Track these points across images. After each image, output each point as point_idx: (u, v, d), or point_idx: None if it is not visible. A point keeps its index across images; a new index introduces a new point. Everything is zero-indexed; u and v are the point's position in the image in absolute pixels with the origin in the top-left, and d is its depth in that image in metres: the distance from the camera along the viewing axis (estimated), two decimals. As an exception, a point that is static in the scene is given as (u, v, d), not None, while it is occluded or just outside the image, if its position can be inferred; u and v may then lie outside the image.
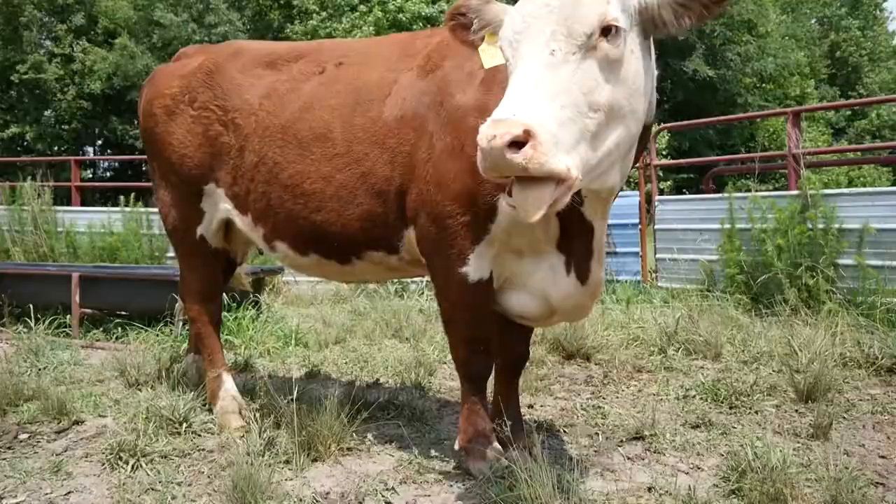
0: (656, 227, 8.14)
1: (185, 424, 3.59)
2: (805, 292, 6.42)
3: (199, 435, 3.59)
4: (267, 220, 3.31)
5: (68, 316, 6.35)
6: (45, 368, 5.07)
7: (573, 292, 2.81)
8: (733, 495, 2.87)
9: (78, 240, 10.63)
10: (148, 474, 3.07)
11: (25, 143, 39.74)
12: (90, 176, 47.84)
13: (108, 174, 53.02)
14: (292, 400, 3.38)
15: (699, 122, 11.85)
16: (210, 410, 3.78)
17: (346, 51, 3.36)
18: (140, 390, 4.37)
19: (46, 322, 6.39)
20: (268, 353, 5.62)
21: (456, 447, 3.14)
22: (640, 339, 5.73)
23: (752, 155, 7.92)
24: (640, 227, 8.15)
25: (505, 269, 2.91)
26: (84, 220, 10.86)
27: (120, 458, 3.16)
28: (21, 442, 3.52)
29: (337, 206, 3.06)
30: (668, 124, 12.78)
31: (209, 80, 3.50)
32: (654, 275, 8.13)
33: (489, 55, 2.48)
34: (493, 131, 1.88)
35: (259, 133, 3.26)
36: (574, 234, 2.74)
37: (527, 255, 2.85)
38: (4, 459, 3.27)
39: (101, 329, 6.41)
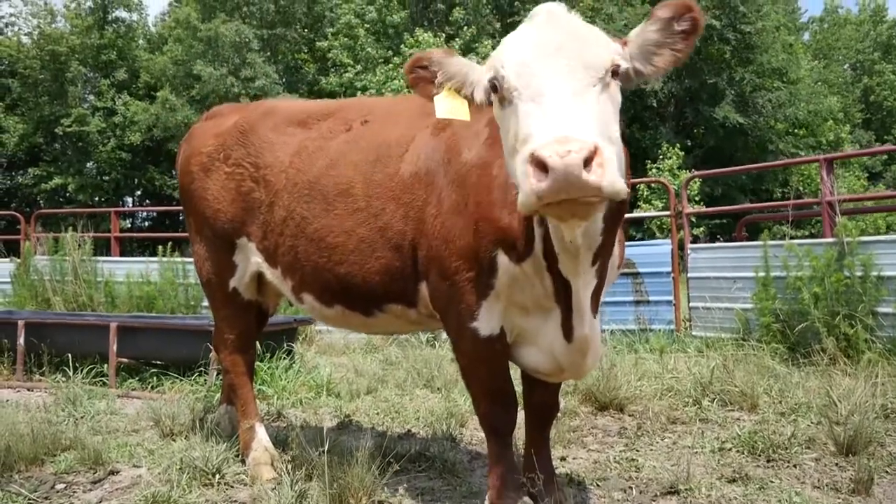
0: (689, 275, 8.08)
1: (217, 476, 3.62)
2: (844, 341, 6.30)
3: (232, 486, 3.61)
4: (295, 273, 3.39)
5: (105, 365, 6.46)
6: (82, 418, 5.14)
7: (563, 349, 2.81)
8: (772, 554, 2.80)
9: (116, 289, 10.84)
10: (181, 527, 3.09)
11: (68, 194, 40.90)
12: (129, 226, 49.02)
13: (146, 223, 54.28)
14: (323, 452, 3.37)
15: (730, 170, 11.87)
16: (243, 461, 3.80)
17: (372, 108, 3.47)
18: (174, 440, 4.42)
19: (84, 371, 6.53)
20: (300, 402, 5.65)
21: (486, 503, 3.12)
22: (675, 390, 5.65)
23: (785, 202, 7.87)
24: (672, 275, 8.09)
25: (515, 324, 2.93)
26: (123, 269, 11.09)
27: (154, 510, 3.18)
28: (57, 492, 3.57)
29: (358, 259, 3.13)
30: (700, 172, 12.73)
31: (243, 138, 3.62)
32: (687, 323, 8.05)
33: (444, 107, 2.48)
34: (564, 147, 1.87)
35: (288, 189, 3.35)
36: (561, 292, 2.75)
37: (532, 311, 2.87)
38: (42, 511, 3.32)
39: (137, 378, 6.51)
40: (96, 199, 42.25)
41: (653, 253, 8.28)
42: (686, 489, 3.51)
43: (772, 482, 3.70)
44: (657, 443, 4.47)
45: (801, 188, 29.70)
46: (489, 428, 3.09)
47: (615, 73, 2.23)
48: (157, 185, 45.99)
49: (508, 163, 2.34)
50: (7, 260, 11.83)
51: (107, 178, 41.01)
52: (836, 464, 4.01)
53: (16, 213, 12.57)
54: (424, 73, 2.48)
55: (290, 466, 3.66)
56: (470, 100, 2.49)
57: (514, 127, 2.19)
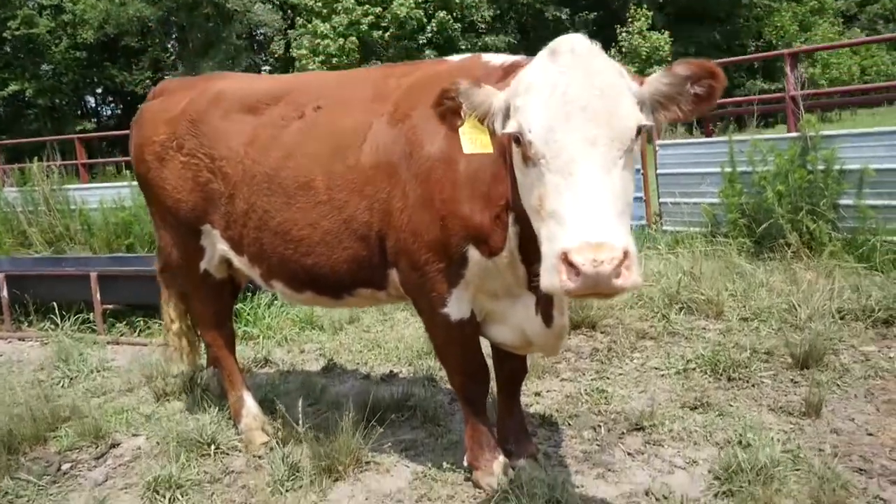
0: (658, 171, 8.17)
1: (213, 446, 3.83)
2: (807, 235, 6.50)
3: (227, 454, 3.83)
4: (262, 262, 3.45)
5: (91, 313, 6.60)
6: (75, 378, 5.32)
7: (540, 331, 2.96)
8: (725, 497, 3.08)
9: (91, 217, 10.80)
10: (184, 507, 3.33)
11: (26, 99, 39.58)
12: (95, 126, 47.68)
13: (111, 122, 52.81)
14: (309, 428, 3.58)
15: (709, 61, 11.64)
16: (235, 427, 4.02)
17: (322, 91, 3.39)
18: (168, 401, 4.63)
19: (71, 318, 6.68)
20: (286, 340, 5.85)
21: (465, 463, 3.36)
22: (645, 299, 5.88)
23: (750, 98, 7.84)
24: (641, 172, 8.17)
25: (484, 307, 3.07)
26: (95, 196, 11.02)
27: (157, 492, 3.41)
28: (64, 474, 3.79)
29: (325, 251, 3.19)
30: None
31: (194, 128, 3.57)
32: (658, 219, 8.22)
33: (469, 140, 2.46)
34: (598, 256, 1.92)
35: (247, 181, 3.35)
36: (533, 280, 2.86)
37: (502, 297, 3.00)
38: (54, 500, 3.54)
39: (125, 323, 6.66)
40: (57, 101, 40.97)
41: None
42: (650, 425, 3.77)
43: (731, 406, 3.98)
44: (626, 365, 4.73)
45: (773, 40, 29.28)
46: (464, 399, 3.30)
47: (637, 132, 2.20)
48: (117, 83, 44.44)
49: (527, 208, 2.35)
50: (-26, 194, 11.68)
51: (65, 79, 39.54)
52: (792, 379, 4.29)
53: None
54: (451, 104, 2.40)
55: (280, 434, 3.86)
56: (492, 131, 2.43)
57: (539, 190, 2.18)
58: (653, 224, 8.15)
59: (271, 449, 3.78)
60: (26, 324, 6.98)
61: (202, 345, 4.50)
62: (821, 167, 6.48)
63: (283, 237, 3.26)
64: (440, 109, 2.41)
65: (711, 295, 5.62)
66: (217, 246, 3.64)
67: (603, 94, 2.16)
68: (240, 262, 3.58)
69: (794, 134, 6.85)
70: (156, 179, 3.71)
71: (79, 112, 45.23)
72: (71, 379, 5.32)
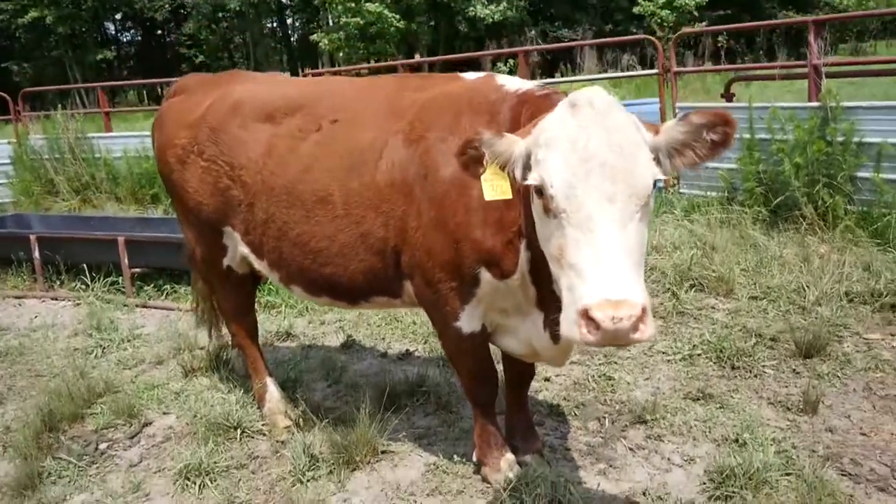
0: (677, 134, 8.10)
1: (239, 430, 4.08)
2: (823, 207, 6.52)
3: (252, 437, 4.08)
4: (281, 268, 3.60)
5: (121, 277, 6.85)
6: (107, 348, 5.59)
7: (547, 346, 3.11)
8: (718, 501, 3.27)
9: (115, 166, 11.00)
10: (213, 493, 3.59)
11: (46, 26, 39.39)
12: (115, 53, 47.47)
13: (130, 49, 52.49)
14: (328, 414, 3.81)
15: (720, 27, 11.47)
16: (259, 410, 4.25)
17: (340, 103, 3.46)
18: (196, 377, 4.89)
19: (101, 280, 6.95)
20: (306, 310, 6.05)
21: (473, 459, 3.58)
22: (657, 274, 5.99)
23: (772, 64, 7.71)
24: (661, 134, 8.12)
25: (494, 321, 3.23)
26: (119, 145, 11.17)
27: (188, 479, 3.67)
28: (102, 454, 4.07)
29: (342, 262, 3.33)
30: (689, 29, 12.28)
31: (213, 136, 3.66)
32: (675, 181, 8.23)
33: (491, 187, 2.51)
34: (618, 314, 2.04)
35: (266, 192, 3.46)
36: (549, 301, 2.99)
37: (512, 313, 3.14)
38: (93, 481, 3.83)
39: (153, 286, 6.91)
40: (76, 28, 40.76)
41: (640, 112, 8.11)
42: (653, 419, 3.95)
43: (732, 398, 4.15)
44: (635, 348, 4.88)
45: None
46: (473, 401, 3.50)
47: (653, 186, 2.29)
48: (136, 9, 44.04)
49: (547, 254, 2.43)
50: (6, 141, 11.89)
51: (84, 6, 39.31)
52: (794, 369, 4.43)
53: (3, 94, 12.41)
54: (475, 153, 2.45)
55: (301, 420, 4.09)
56: (512, 179, 2.50)
57: (559, 241, 2.28)
58: (670, 187, 8.17)
59: (293, 434, 4.02)
60: (58, 283, 7.25)
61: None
62: (840, 139, 6.43)
63: (301, 248, 3.41)
64: (463, 159, 2.47)
65: (723, 272, 5.72)
66: (238, 248, 3.80)
67: (622, 150, 2.24)
68: (260, 266, 3.74)
69: (814, 104, 6.78)
70: (178, 181, 3.85)
71: (98, 38, 45.01)
72: (103, 349, 5.59)
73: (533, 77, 23.53)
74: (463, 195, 2.94)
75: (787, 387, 4.25)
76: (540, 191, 2.32)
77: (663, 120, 8.11)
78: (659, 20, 27.55)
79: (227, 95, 3.77)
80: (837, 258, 5.94)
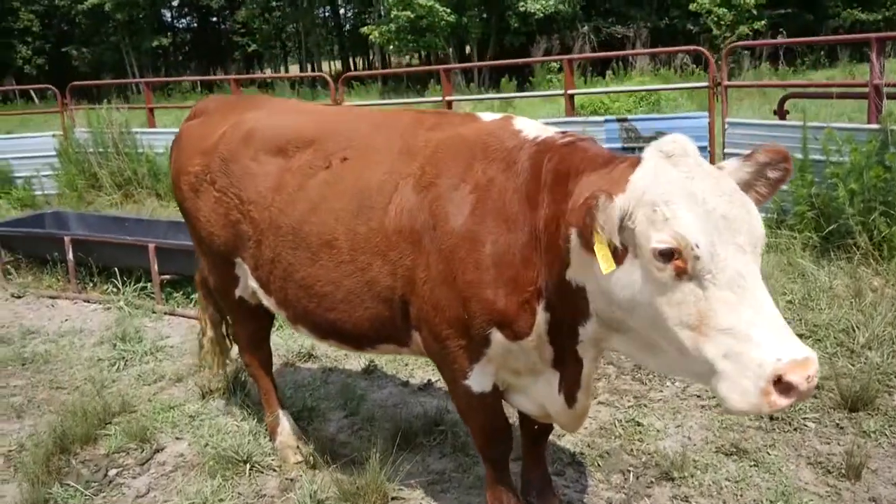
0: (726, 150, 7.77)
1: (248, 464, 3.96)
2: (878, 237, 6.14)
3: (262, 473, 3.96)
4: (287, 308, 3.45)
5: (150, 283, 6.83)
6: (129, 360, 5.55)
7: (561, 410, 2.91)
8: (744, 581, 3.03)
9: (158, 162, 11.05)
10: (217, 535, 3.48)
11: (105, 12, 40.23)
12: (170, 40, 48.25)
13: (186, 36, 53.30)
14: (340, 451, 3.66)
15: (777, 41, 10.97)
16: (271, 442, 4.14)
17: (351, 139, 3.27)
18: (213, 399, 4.80)
19: (131, 284, 6.95)
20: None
21: (486, 517, 3.40)
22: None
23: (829, 83, 7.30)
24: (709, 150, 7.79)
25: (506, 380, 3.02)
26: (161, 140, 11.20)
27: (193, 517, 3.57)
28: (111, 482, 3.99)
29: (347, 308, 3.16)
30: (744, 42, 11.78)
31: (225, 167, 3.52)
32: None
33: (603, 258, 2.23)
34: (810, 373, 1.98)
35: (273, 230, 3.31)
36: (567, 362, 2.79)
37: (524, 374, 2.94)
38: (99, 511, 3.76)
39: (182, 293, 6.87)
40: (134, 14, 41.51)
41: (688, 126, 7.92)
42: (680, 476, 3.71)
43: (768, 454, 3.88)
44: (667, 389, 4.64)
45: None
46: (485, 458, 3.30)
47: None
48: (193, -4, 44.74)
49: (668, 326, 2.20)
50: (50, 133, 12.06)
51: (142, -7, 40.14)
52: (838, 423, 4.13)
53: (52, 87, 12.59)
54: (596, 215, 2.19)
55: (312, 458, 3.96)
56: (612, 247, 2.25)
57: (697, 306, 2.10)
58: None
59: (303, 471, 3.90)
60: (91, 285, 7.27)
61: (234, 348, 4.60)
62: (900, 165, 6.04)
63: (306, 291, 3.25)
64: (585, 223, 2.20)
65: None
66: (248, 281, 3.66)
67: (732, 198, 2.16)
68: (268, 303, 3.60)
69: (874, 126, 6.38)
70: (191, 209, 3.73)
71: (155, 25, 45.83)
72: (126, 361, 5.54)
73: (584, 75, 23.08)
74: (474, 250, 2.72)
75: (829, 443, 3.96)
76: (668, 254, 2.11)
77: (712, 136, 7.78)
78: (716, 18, 26.77)
79: (241, 124, 3.62)
80: (892, 293, 5.59)
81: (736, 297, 2.05)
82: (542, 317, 2.70)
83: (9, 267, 7.73)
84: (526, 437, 3.47)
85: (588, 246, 2.28)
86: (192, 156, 3.71)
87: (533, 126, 2.91)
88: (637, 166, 2.32)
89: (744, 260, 2.08)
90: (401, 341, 3.21)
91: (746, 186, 2.28)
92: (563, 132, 2.89)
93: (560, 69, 22.81)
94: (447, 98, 10.13)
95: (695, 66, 21.06)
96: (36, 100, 29.86)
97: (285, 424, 4.08)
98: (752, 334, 2.02)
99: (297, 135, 3.41)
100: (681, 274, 2.11)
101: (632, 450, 4.02)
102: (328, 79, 11.96)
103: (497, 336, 2.77)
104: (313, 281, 3.20)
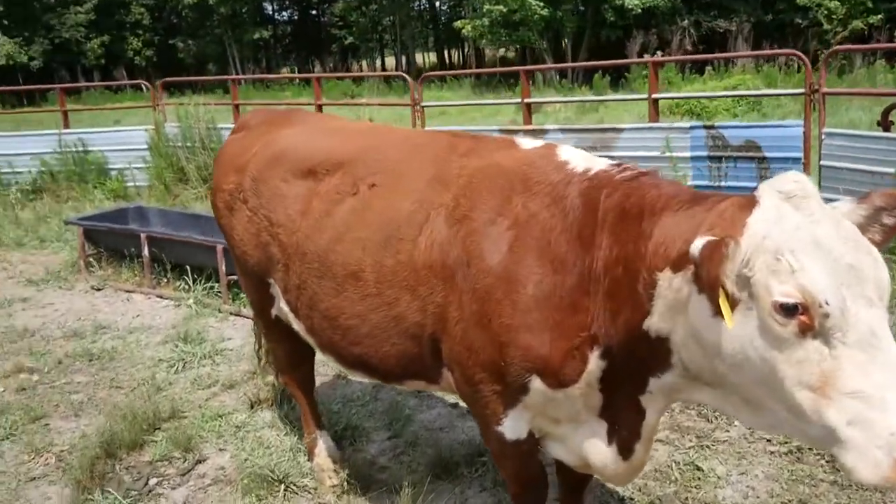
0: (822, 162, 7.21)
1: (283, 485, 3.88)
2: None
3: (296, 495, 3.88)
4: (315, 336, 3.33)
5: (218, 283, 6.91)
6: (189, 362, 5.59)
7: (611, 464, 2.63)
8: None
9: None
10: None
11: (210, 6, 41.72)
12: (271, 33, 49.51)
13: (286, 28, 54.60)
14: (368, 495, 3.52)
15: (881, 46, 10.01)
16: (309, 461, 4.05)
17: (381, 164, 3.09)
18: (261, 409, 4.77)
19: (202, 281, 7.06)
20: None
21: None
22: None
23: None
24: (802, 161, 7.24)
25: (543, 429, 2.78)
26: (245, 137, 11.39)
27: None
28: (150, 492, 4.00)
29: (373, 343, 2.99)
30: (844, 46, 10.85)
31: (255, 187, 3.42)
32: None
33: (727, 312, 1.97)
34: None
35: (299, 256, 3.18)
36: (621, 411, 2.53)
37: (564, 422, 2.69)
38: (133, 521, 3.76)
39: (247, 294, 6.91)
40: (237, 8, 42.87)
41: (781, 136, 7.40)
42: (737, 536, 3.39)
43: (841, 516, 3.50)
44: (734, 429, 4.29)
45: None
46: (518, 504, 3.08)
47: None
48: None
49: (787, 386, 1.94)
50: (143, 127, 12.48)
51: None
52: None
53: (145, 83, 13.05)
54: (726, 263, 1.92)
55: (347, 483, 3.85)
56: (731, 296, 1.99)
57: (822, 366, 1.87)
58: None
59: (339, 495, 3.79)
60: (165, 281, 7.43)
61: None
62: None
63: (331, 322, 3.10)
64: (713, 280, 1.92)
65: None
66: (280, 303, 3.55)
67: (858, 245, 1.91)
68: (298, 328, 3.48)
69: None
70: (227, 227, 3.66)
71: (257, 18, 47.22)
72: (185, 363, 5.59)
73: (681, 72, 22.19)
74: (512, 292, 2.49)
75: (914, 510, 3.54)
76: (792, 309, 1.86)
77: (807, 147, 7.23)
78: (826, 12, 25.18)
79: (273, 143, 3.51)
80: None
81: (867, 357, 1.83)
82: (595, 364, 2.45)
83: (91, 260, 8.00)
84: (564, 486, 3.24)
85: (712, 298, 2.00)
86: (227, 173, 3.63)
87: (580, 157, 2.65)
88: (748, 206, 2.04)
89: (874, 314, 1.85)
90: (431, 379, 3.03)
91: (860, 231, 2.01)
92: (618, 163, 2.62)
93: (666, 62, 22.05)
94: (526, 100, 9.83)
95: (801, 63, 19.94)
96: (144, 90, 31.25)
97: (323, 446, 3.98)
98: (885, 399, 1.80)
99: (328, 156, 3.26)
100: (805, 331, 1.87)
101: (687, 498, 3.71)
102: (408, 78, 11.85)
103: (537, 383, 2.53)
104: (338, 312, 3.04)
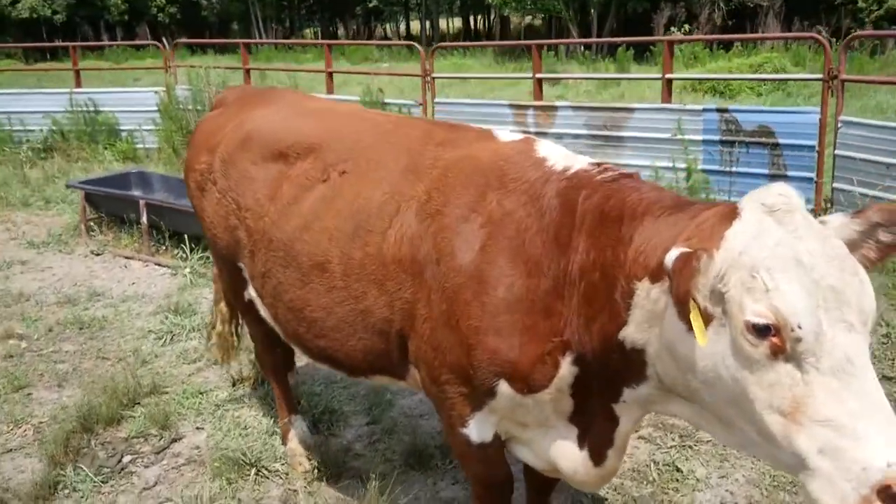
0: (837, 152, 6.97)
1: (254, 469, 3.84)
2: None
3: (267, 479, 3.83)
4: (279, 325, 3.26)
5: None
6: (177, 335, 5.56)
7: (581, 469, 2.52)
8: None
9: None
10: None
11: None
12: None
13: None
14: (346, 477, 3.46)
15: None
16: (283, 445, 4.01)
17: (354, 148, 2.98)
18: (242, 387, 4.73)
19: (199, 253, 7.01)
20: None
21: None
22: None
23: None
24: (817, 150, 7.00)
25: (509, 431, 2.69)
26: (255, 102, 11.28)
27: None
28: (123, 469, 3.97)
29: (339, 337, 2.90)
30: (864, 32, 10.37)
31: (225, 169, 3.31)
32: (828, 206, 7.09)
33: (699, 328, 1.86)
34: None
35: (265, 243, 3.08)
36: (593, 417, 2.43)
37: (532, 427, 2.59)
38: (103, 501, 3.73)
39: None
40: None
41: (796, 122, 7.13)
42: (711, 543, 3.30)
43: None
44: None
45: None
46: (481, 507, 3.00)
47: None
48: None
49: (756, 409, 1.83)
50: (153, 89, 12.40)
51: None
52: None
53: (158, 44, 12.93)
54: (697, 277, 1.85)
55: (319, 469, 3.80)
56: (704, 311, 1.89)
57: (794, 391, 1.76)
58: (821, 212, 7.05)
59: (310, 480, 3.75)
60: (163, 248, 7.40)
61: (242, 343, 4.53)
62: None
63: (295, 314, 3.01)
64: (684, 294, 1.81)
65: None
66: (249, 289, 3.46)
67: (843, 266, 1.78)
68: (265, 315, 3.40)
69: None
70: (198, 208, 3.57)
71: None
72: (173, 336, 5.56)
73: (708, 47, 21.66)
74: (482, 293, 2.39)
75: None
76: (764, 330, 1.75)
77: (822, 135, 6.99)
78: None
79: (244, 123, 3.39)
80: None
81: (841, 385, 1.71)
82: (567, 370, 2.35)
83: (92, 224, 7.99)
84: (530, 488, 3.16)
85: (682, 313, 1.92)
86: (199, 152, 3.53)
87: (559, 154, 2.52)
88: (729, 217, 1.91)
89: (852, 340, 1.73)
90: (397, 375, 2.94)
91: (852, 247, 1.89)
92: (597, 163, 2.49)
93: (689, 32, 21.49)
94: (538, 75, 9.60)
95: (834, 39, 19.36)
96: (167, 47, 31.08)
97: (297, 430, 3.92)
98: (857, 430, 1.68)
99: (300, 139, 3.14)
100: (777, 353, 1.75)
101: (664, 500, 3.62)
102: (419, 48, 11.62)
103: (504, 388, 2.44)
104: (303, 304, 2.95)
